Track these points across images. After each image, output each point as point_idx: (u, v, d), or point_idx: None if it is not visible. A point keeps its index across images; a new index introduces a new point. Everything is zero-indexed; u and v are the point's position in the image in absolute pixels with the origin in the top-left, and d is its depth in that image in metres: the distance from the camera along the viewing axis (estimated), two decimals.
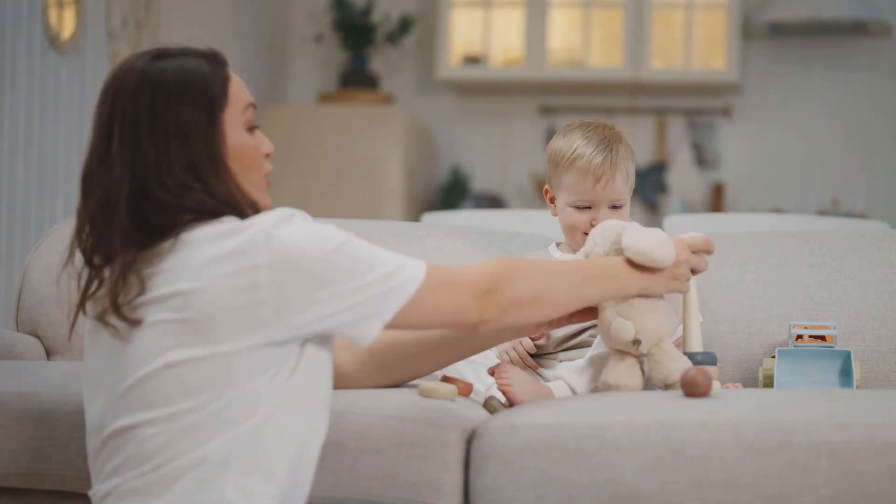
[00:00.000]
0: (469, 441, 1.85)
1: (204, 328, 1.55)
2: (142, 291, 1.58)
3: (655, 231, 1.91)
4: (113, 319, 1.59)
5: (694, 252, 1.93)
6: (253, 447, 1.56)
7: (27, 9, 3.97)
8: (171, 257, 1.58)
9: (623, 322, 1.91)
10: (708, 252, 1.95)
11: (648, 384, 2.15)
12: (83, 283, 1.65)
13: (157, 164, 1.59)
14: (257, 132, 1.70)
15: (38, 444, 1.93)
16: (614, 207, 2.24)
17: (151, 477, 1.55)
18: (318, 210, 5.35)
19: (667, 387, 1.95)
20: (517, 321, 1.77)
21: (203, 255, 1.56)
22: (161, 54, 1.65)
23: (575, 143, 2.23)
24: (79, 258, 1.66)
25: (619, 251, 1.92)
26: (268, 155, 1.72)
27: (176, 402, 1.55)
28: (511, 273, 1.74)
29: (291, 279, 1.56)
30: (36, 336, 2.60)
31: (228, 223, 1.60)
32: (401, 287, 1.63)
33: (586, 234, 2.25)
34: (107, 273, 1.63)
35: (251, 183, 1.68)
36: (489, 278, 1.72)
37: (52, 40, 4.09)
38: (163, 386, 1.56)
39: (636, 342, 1.94)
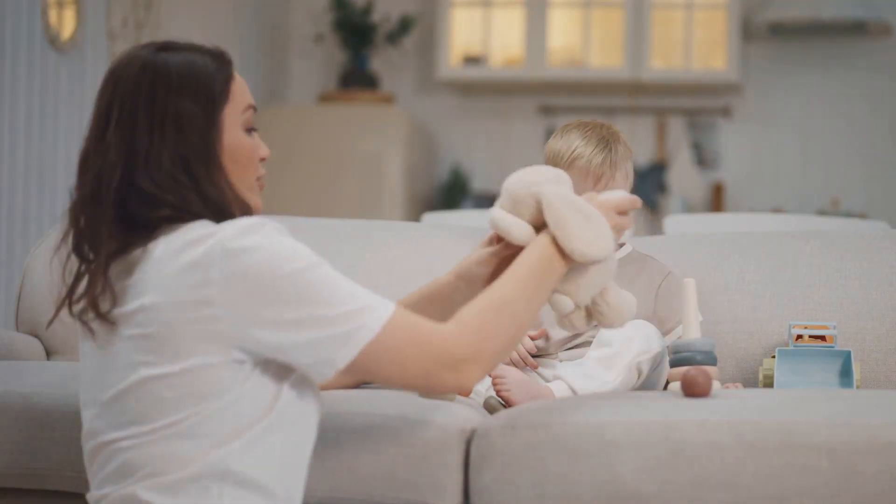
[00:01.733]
0: (469, 441, 1.85)
1: (167, 343, 1.52)
2: (114, 305, 1.56)
3: (590, 217, 1.74)
4: (95, 324, 1.58)
5: (620, 213, 1.81)
6: (244, 460, 1.54)
7: (27, 9, 3.97)
8: (137, 270, 1.56)
9: (559, 297, 1.81)
10: (635, 207, 1.83)
11: (646, 385, 2.15)
12: (70, 279, 1.63)
13: (147, 153, 1.57)
14: (255, 135, 1.69)
15: (38, 444, 1.93)
16: None
17: (139, 488, 1.54)
18: (318, 210, 5.36)
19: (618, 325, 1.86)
20: (502, 361, 1.73)
21: (164, 269, 1.53)
22: (166, 46, 1.63)
23: (574, 144, 2.23)
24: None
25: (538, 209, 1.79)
26: (263, 159, 1.69)
27: (154, 418, 1.54)
28: (484, 330, 1.61)
29: (242, 297, 1.51)
30: (36, 336, 2.60)
31: (196, 230, 1.55)
32: (354, 333, 1.53)
33: None
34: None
35: (244, 183, 1.66)
36: (465, 348, 1.59)
37: (52, 40, 4.09)
38: (140, 402, 1.54)
39: (576, 309, 1.85)
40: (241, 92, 1.67)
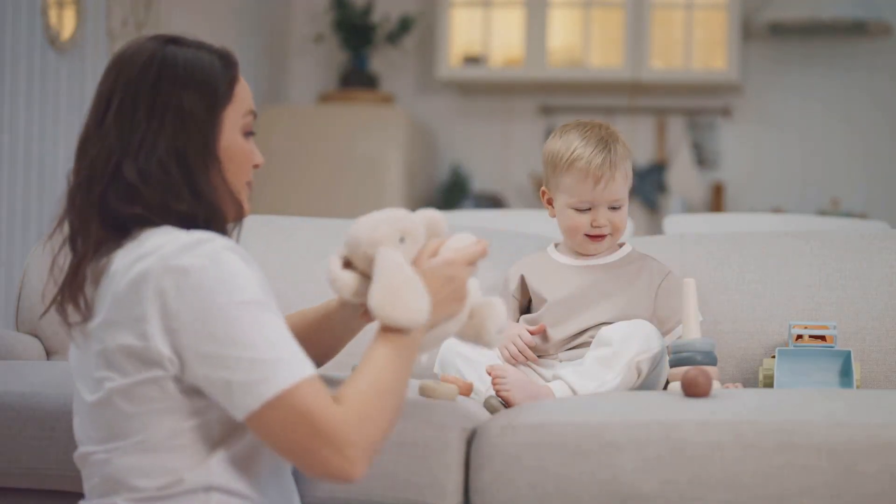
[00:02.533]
0: (469, 441, 1.85)
1: (121, 360, 1.52)
2: (87, 318, 1.56)
3: (406, 287, 1.61)
4: (78, 327, 1.58)
5: (471, 263, 1.72)
6: (225, 475, 1.54)
7: (27, 9, 3.97)
8: (102, 283, 1.55)
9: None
10: (485, 256, 1.74)
11: (646, 385, 2.15)
12: (58, 274, 1.61)
13: (142, 141, 1.55)
14: (252, 140, 1.69)
15: (38, 444, 1.93)
16: (613, 208, 2.24)
17: (120, 500, 1.54)
18: (319, 210, 5.36)
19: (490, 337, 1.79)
20: (388, 436, 1.61)
21: (116, 285, 1.52)
22: (175, 40, 1.63)
23: (573, 145, 2.23)
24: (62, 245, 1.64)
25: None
26: (256, 166, 1.68)
27: (124, 434, 1.53)
28: (371, 417, 1.52)
29: (167, 318, 1.49)
30: (36, 336, 2.60)
31: (148, 241, 1.53)
32: (258, 385, 1.47)
33: (587, 235, 2.26)
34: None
35: (238, 183, 1.66)
36: (354, 435, 1.49)
37: (52, 40, 4.09)
38: (109, 417, 1.54)
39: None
40: (244, 95, 1.67)
